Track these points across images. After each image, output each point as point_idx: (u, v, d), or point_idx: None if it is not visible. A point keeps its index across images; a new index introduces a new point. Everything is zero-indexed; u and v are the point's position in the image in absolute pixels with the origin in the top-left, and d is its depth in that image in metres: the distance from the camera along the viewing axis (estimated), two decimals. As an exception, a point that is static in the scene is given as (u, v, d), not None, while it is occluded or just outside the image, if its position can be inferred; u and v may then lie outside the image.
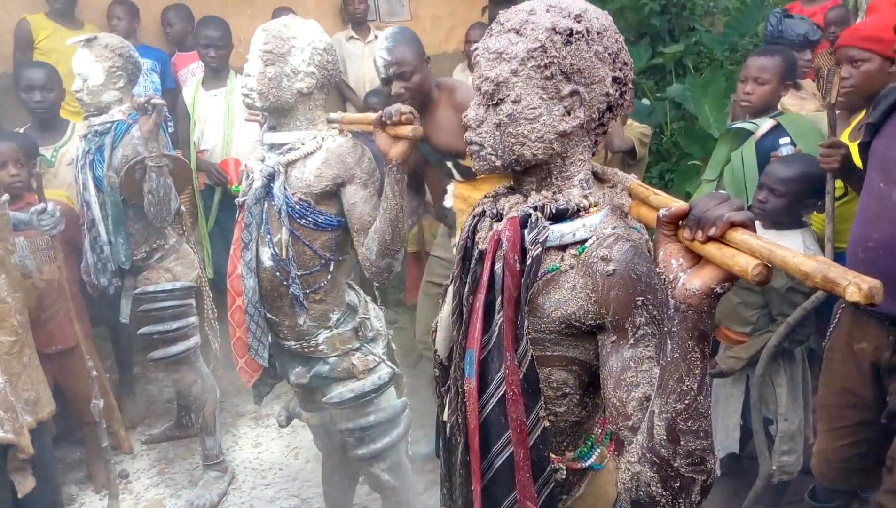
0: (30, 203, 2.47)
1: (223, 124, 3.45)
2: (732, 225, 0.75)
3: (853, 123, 2.33)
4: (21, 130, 2.90)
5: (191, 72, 3.81)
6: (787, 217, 2.15)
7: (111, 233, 2.45)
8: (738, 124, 2.59)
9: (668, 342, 0.80)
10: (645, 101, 4.84)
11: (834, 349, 1.98)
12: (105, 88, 2.42)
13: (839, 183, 2.11)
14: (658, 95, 5.14)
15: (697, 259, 0.79)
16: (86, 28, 3.58)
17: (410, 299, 3.72)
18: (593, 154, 1.11)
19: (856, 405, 1.93)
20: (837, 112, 2.10)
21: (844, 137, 2.25)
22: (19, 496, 2.08)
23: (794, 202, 2.12)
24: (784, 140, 2.39)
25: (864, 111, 2.17)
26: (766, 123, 2.46)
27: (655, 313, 0.93)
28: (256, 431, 3.19)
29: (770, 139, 2.44)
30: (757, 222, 2.25)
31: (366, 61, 4.64)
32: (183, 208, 2.68)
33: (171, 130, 3.44)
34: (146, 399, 3.45)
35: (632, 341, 0.93)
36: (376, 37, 4.68)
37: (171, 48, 4.02)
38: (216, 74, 3.52)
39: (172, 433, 3.12)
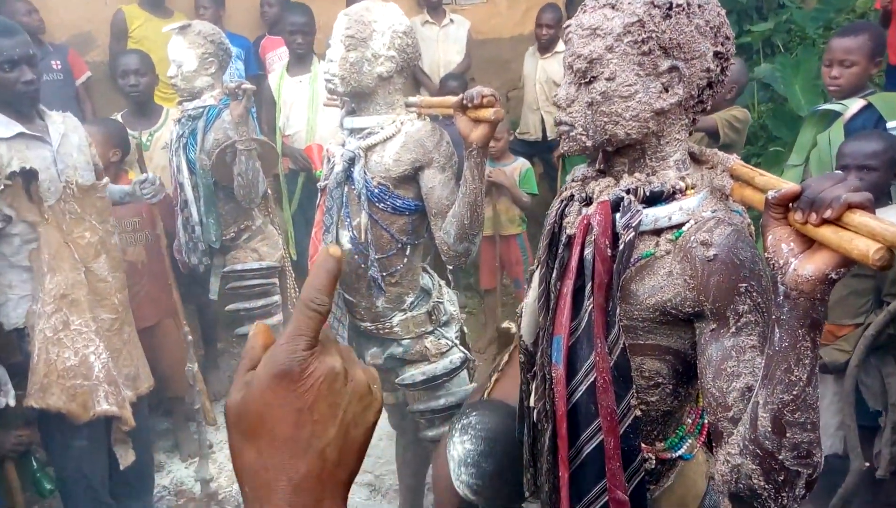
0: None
1: (307, 110, 3.53)
2: (850, 207, 0.70)
3: None
4: (118, 116, 3.06)
5: (277, 56, 3.91)
6: (880, 193, 2.02)
7: (202, 214, 2.57)
8: (826, 106, 2.47)
9: (777, 330, 0.76)
10: (730, 81, 4.61)
11: None
12: (198, 74, 2.53)
13: None
14: (749, 74, 4.89)
15: (809, 243, 0.75)
16: (175, 17, 3.73)
17: (485, 282, 3.71)
18: (690, 133, 1.06)
19: None
20: None
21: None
22: (121, 467, 2.21)
23: (886, 176, 2.02)
24: (892, 123, 2.22)
25: None
26: (855, 104, 2.34)
27: (760, 300, 0.89)
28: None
29: (860, 120, 2.31)
30: None
31: (440, 45, 4.63)
32: (269, 190, 2.78)
33: (255, 115, 3.55)
34: (229, 374, 3.61)
35: (733, 329, 0.89)
36: (451, 21, 4.67)
37: (263, 30, 4.14)
38: (301, 59, 3.60)
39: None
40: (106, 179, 2.25)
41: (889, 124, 2.23)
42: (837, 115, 2.38)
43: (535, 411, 1.12)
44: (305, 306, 0.46)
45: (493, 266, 3.58)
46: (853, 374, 2.09)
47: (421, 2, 4.82)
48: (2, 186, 1.91)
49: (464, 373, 2.02)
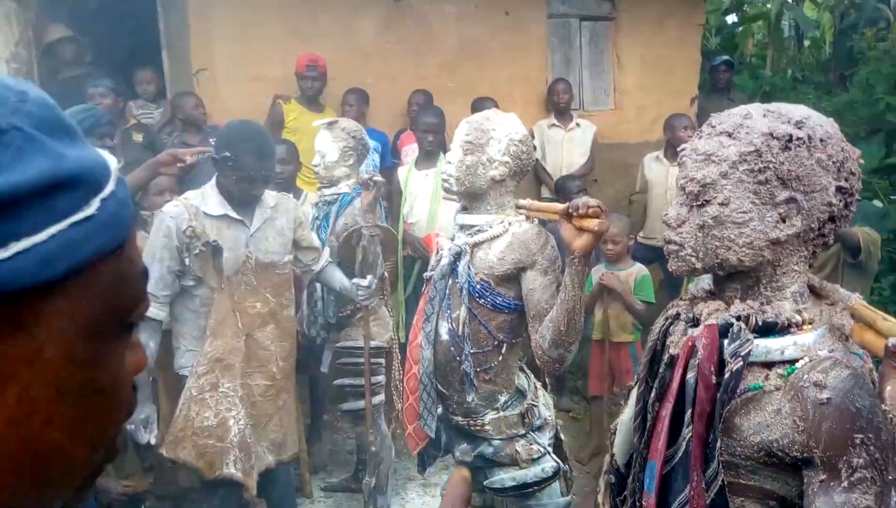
0: None
1: (430, 201, 3.73)
2: None
3: None
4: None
5: (412, 150, 4.22)
6: None
7: (325, 290, 2.75)
8: None
9: (894, 492, 0.69)
10: (877, 202, 4.34)
11: None
12: (338, 165, 2.79)
13: None
14: (893, 197, 4.56)
15: None
16: (326, 111, 4.16)
17: (593, 389, 3.58)
18: (810, 265, 1.02)
19: None
20: None
21: None
22: None
23: None
24: None
25: None
26: None
27: (878, 455, 0.81)
28: (423, 499, 3.24)
29: None
30: None
31: (565, 147, 4.76)
32: (386, 274, 2.92)
33: (384, 204, 3.80)
34: (331, 448, 3.70)
35: (846, 483, 0.82)
36: (578, 125, 4.81)
37: (404, 126, 4.50)
38: (429, 155, 3.85)
39: (349, 484, 3.29)
40: (288, 257, 2.42)
41: None
42: None
43: None
44: None
45: (602, 372, 3.45)
46: None
47: (550, 106, 5.02)
48: (197, 251, 2.17)
49: (556, 485, 1.94)
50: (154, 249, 2.17)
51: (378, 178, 2.62)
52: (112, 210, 0.39)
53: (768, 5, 9.15)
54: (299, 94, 4.23)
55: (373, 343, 2.79)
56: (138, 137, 3.83)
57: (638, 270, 3.42)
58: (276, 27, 4.44)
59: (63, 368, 0.38)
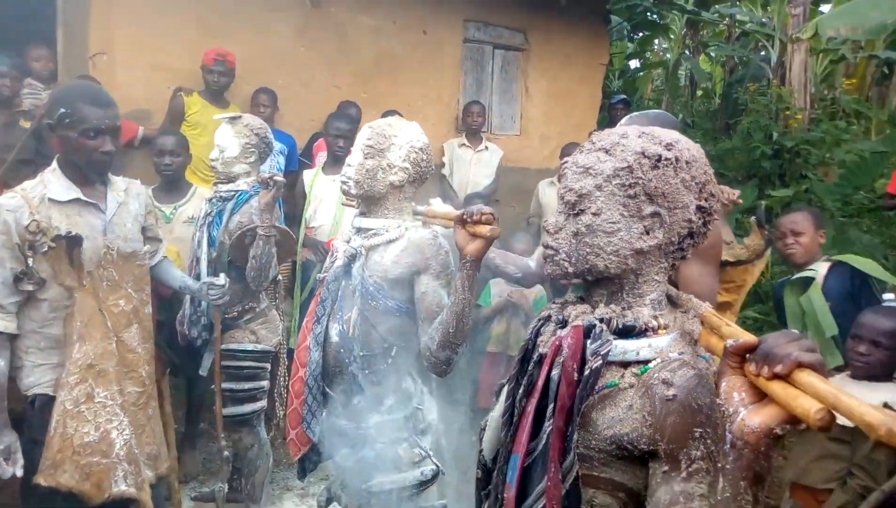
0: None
1: (336, 206, 3.69)
2: (800, 365, 0.72)
3: None
4: (149, 190, 3.22)
5: (325, 155, 4.16)
6: (887, 370, 2.02)
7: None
8: (799, 275, 2.75)
9: (721, 479, 0.76)
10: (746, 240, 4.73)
11: None
12: (237, 161, 2.70)
13: None
14: (764, 237, 5.01)
15: (761, 396, 0.76)
16: (230, 108, 4.03)
17: (483, 401, 3.64)
18: (669, 277, 1.10)
19: None
20: None
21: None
22: None
23: (893, 355, 2.04)
24: (889, 296, 2.31)
25: None
26: (822, 267, 2.71)
27: (714, 448, 0.88)
28: (300, 508, 3.16)
29: (832, 280, 2.65)
30: (846, 375, 2.14)
31: (472, 168, 4.89)
32: (280, 277, 2.85)
33: (284, 206, 3.71)
34: (205, 456, 3.52)
35: (684, 474, 0.88)
36: (486, 148, 4.95)
37: (313, 131, 4.43)
38: (338, 161, 3.81)
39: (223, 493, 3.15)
40: (147, 247, 2.25)
41: (886, 296, 2.30)
42: (810, 280, 2.69)
43: None
44: None
45: (494, 384, 3.53)
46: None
47: (461, 127, 5.14)
48: (45, 249, 1.91)
49: (434, 488, 1.95)
50: None
51: (279, 178, 2.56)
52: None
53: (668, 55, 9.86)
54: (203, 88, 4.07)
55: (260, 347, 2.71)
56: (26, 124, 3.55)
57: (537, 290, 3.56)
58: (184, 17, 4.27)
59: None
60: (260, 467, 2.75)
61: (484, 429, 1.18)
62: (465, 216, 1.58)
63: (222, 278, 2.51)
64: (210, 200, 2.75)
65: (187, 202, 3.21)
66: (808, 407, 0.69)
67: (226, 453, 2.74)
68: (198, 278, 2.66)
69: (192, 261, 2.73)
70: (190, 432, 3.42)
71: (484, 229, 1.57)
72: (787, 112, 6.33)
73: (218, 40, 4.18)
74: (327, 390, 1.93)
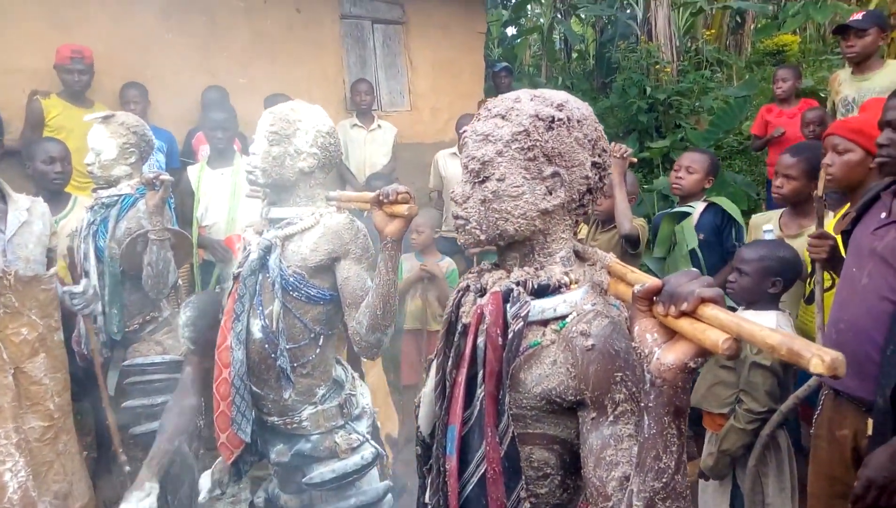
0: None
1: (229, 201, 3.54)
2: (703, 301, 0.77)
3: (838, 215, 2.42)
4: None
5: (207, 149, 3.96)
6: (754, 296, 2.23)
7: (106, 304, 2.46)
8: (679, 208, 3.11)
9: (645, 418, 0.80)
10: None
11: (819, 437, 1.97)
12: (116, 163, 2.51)
13: (827, 275, 2.17)
14: (646, 187, 5.31)
15: (672, 334, 0.81)
16: (95, 107, 3.73)
17: (406, 378, 3.67)
18: (575, 233, 1.15)
19: (844, 494, 1.89)
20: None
21: (829, 228, 2.33)
22: None
23: (758, 281, 2.21)
24: (768, 226, 2.52)
25: (849, 204, 2.25)
26: (700, 205, 3.06)
27: (634, 389, 0.94)
28: (234, 516, 3.06)
29: (706, 217, 3.02)
30: (734, 302, 2.33)
31: (368, 148, 4.83)
32: (180, 281, 2.70)
33: (174, 205, 3.51)
34: (122, 478, 3.32)
35: (611, 418, 0.93)
36: (379, 126, 4.90)
37: (190, 125, 4.18)
38: (222, 154, 3.64)
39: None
40: (53, 270, 2.08)
41: (765, 228, 2.53)
42: (686, 214, 3.05)
43: (430, 507, 1.10)
44: None
45: (416, 361, 3.56)
46: (752, 475, 2.17)
47: (350, 106, 5.05)
48: None
49: (375, 471, 1.96)
50: None
51: (165, 176, 2.41)
52: None
53: (541, 20, 10.10)
54: (62, 88, 3.74)
55: (168, 358, 2.58)
56: None
57: (447, 263, 3.60)
58: (33, 12, 3.89)
59: None
60: (185, 481, 2.63)
61: (418, 406, 1.20)
62: (381, 197, 1.57)
63: (81, 285, 2.34)
64: (91, 207, 2.55)
65: (69, 213, 2.97)
66: (716, 339, 0.74)
67: (127, 468, 2.60)
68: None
69: (81, 275, 2.53)
70: (103, 456, 3.21)
71: (402, 208, 1.57)
72: (657, 66, 6.69)
73: (71, 35, 3.84)
74: (254, 388, 1.87)
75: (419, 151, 5.35)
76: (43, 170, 2.91)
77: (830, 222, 2.41)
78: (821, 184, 2.13)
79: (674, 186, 3.13)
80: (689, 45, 8.36)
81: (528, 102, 1.07)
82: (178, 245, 2.53)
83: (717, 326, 0.75)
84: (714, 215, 3.03)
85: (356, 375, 2.03)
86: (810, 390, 2.07)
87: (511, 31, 10.52)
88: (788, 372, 2.20)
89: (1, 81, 3.79)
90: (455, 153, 4.61)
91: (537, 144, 1.04)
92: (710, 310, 0.77)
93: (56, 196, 3.00)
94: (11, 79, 3.80)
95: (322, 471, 1.88)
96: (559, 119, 1.05)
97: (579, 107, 1.10)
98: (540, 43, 10.36)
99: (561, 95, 1.10)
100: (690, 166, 3.06)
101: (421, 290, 3.51)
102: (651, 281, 0.85)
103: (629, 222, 2.92)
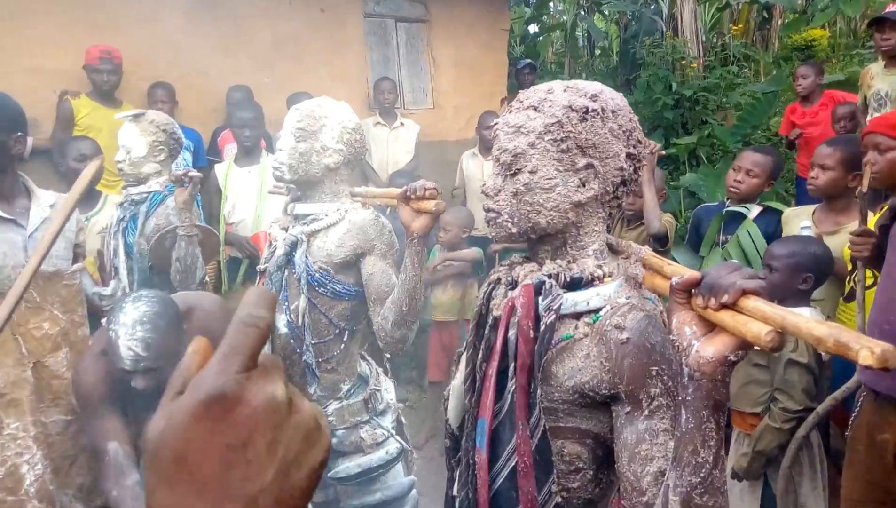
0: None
1: (255, 199, 3.56)
2: (744, 293, 0.75)
3: (878, 214, 2.36)
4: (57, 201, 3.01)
5: (233, 148, 3.99)
6: (784, 293, 2.17)
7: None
8: (734, 208, 2.87)
9: (683, 412, 0.79)
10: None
11: (856, 440, 1.91)
12: (146, 161, 2.54)
13: (869, 272, 2.11)
14: (672, 183, 5.25)
15: (711, 327, 0.79)
16: (124, 107, 3.79)
17: (433, 375, 3.66)
18: (608, 227, 1.13)
19: (884, 500, 1.84)
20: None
21: (871, 225, 2.27)
22: None
23: (788, 277, 2.16)
24: (805, 223, 2.46)
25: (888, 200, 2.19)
26: (755, 208, 2.83)
27: (671, 383, 0.92)
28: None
29: (762, 222, 2.78)
30: None
31: (390, 146, 4.84)
32: (207, 277, 2.73)
33: (200, 203, 3.55)
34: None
35: (646, 412, 0.92)
36: (402, 124, 4.90)
37: (217, 124, 4.23)
38: (249, 152, 3.67)
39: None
40: (77, 265, 2.10)
41: (802, 224, 2.46)
42: (742, 216, 2.82)
43: (458, 500, 1.09)
44: (241, 321, 0.39)
45: (446, 356, 3.55)
46: (785, 476, 2.13)
47: (373, 105, 5.06)
48: None
49: (399, 465, 1.96)
50: None
51: (194, 173, 2.43)
52: None
53: (564, 17, 10.03)
54: (91, 88, 3.80)
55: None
56: None
57: (476, 251, 3.62)
58: (63, 15, 3.96)
59: None
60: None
61: (447, 399, 1.19)
62: (408, 193, 1.57)
63: (110, 288, 2.37)
64: (122, 204, 2.58)
65: (99, 211, 3.01)
66: (758, 331, 0.72)
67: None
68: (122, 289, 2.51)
69: (111, 271, 2.57)
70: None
71: (429, 205, 1.56)
72: (683, 62, 6.61)
73: (99, 36, 3.90)
74: None
75: (442, 149, 5.34)
76: (75, 168, 2.95)
77: (871, 219, 2.35)
78: (865, 180, 2.06)
79: (731, 189, 2.86)
80: (715, 40, 8.25)
81: (561, 93, 1.06)
82: (205, 242, 2.55)
83: (759, 318, 0.73)
84: (768, 223, 2.77)
85: (381, 370, 2.03)
86: (848, 391, 2.02)
87: (534, 28, 10.47)
88: (824, 371, 2.14)
89: (31, 81, 3.86)
90: (475, 154, 4.59)
91: (570, 135, 1.03)
92: (751, 302, 0.75)
93: (88, 194, 3.05)
94: (41, 79, 3.87)
95: (347, 466, 1.89)
96: (593, 110, 1.04)
97: (613, 97, 1.08)
98: (563, 40, 10.29)
99: (595, 86, 1.08)
100: (752, 170, 2.79)
101: (453, 282, 3.52)
102: (690, 273, 0.83)
103: (658, 220, 2.84)
